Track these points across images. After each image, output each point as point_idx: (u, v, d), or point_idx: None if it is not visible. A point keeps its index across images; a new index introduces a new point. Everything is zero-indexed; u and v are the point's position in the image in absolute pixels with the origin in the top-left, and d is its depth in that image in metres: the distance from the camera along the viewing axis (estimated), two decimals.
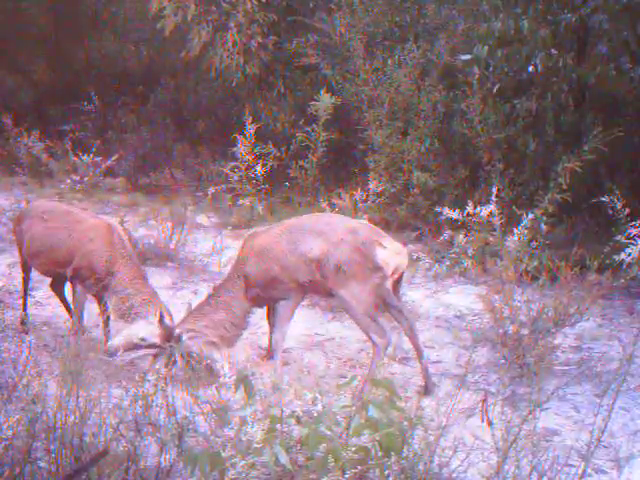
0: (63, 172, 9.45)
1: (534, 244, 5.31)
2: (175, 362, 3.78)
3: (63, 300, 4.74)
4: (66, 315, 4.64)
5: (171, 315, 4.09)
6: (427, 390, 3.84)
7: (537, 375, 3.73)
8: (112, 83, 11.13)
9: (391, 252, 3.77)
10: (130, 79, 11.03)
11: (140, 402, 2.44)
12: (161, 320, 3.88)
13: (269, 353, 4.25)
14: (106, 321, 4.26)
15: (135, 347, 3.99)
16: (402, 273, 3.94)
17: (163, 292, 4.92)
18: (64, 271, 4.32)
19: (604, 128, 5.79)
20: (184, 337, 3.90)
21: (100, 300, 4.41)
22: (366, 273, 3.71)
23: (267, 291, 3.96)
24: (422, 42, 7.80)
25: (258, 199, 7.43)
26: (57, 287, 4.73)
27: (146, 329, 3.94)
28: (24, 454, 2.26)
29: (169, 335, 3.90)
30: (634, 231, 4.51)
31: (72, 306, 4.46)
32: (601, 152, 5.78)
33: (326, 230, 3.84)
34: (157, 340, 3.91)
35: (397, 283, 3.96)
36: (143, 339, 3.94)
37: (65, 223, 4.41)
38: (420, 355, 3.93)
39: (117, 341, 3.94)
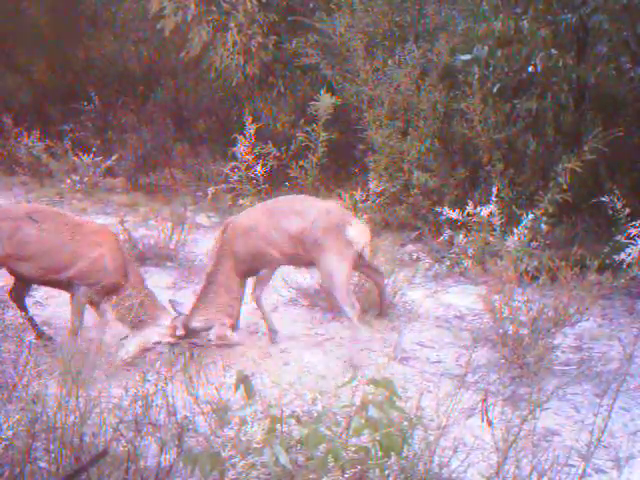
0: (63, 172, 9.45)
1: (534, 244, 5.31)
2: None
3: (24, 308, 4.44)
4: (65, 316, 4.56)
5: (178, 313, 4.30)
6: (382, 312, 4.79)
7: (537, 375, 3.74)
8: (112, 83, 11.12)
9: (359, 230, 4.37)
10: (130, 79, 11.02)
11: (140, 402, 2.44)
12: (176, 325, 4.16)
13: (270, 337, 4.61)
14: (104, 324, 4.28)
15: (147, 350, 4.23)
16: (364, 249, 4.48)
17: (163, 292, 4.93)
18: (59, 277, 4.17)
19: (604, 128, 5.79)
20: (198, 326, 4.27)
21: (95, 304, 4.31)
22: (341, 247, 4.28)
23: (254, 264, 4.50)
24: (422, 42, 7.80)
25: (258, 199, 7.42)
26: (18, 294, 4.44)
27: (158, 333, 4.19)
28: (24, 454, 2.26)
29: (188, 331, 4.20)
30: (634, 231, 4.51)
31: (72, 309, 4.29)
32: (601, 152, 5.77)
33: (302, 210, 4.44)
34: (170, 339, 4.17)
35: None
36: (157, 342, 4.19)
37: (64, 226, 4.22)
38: (382, 291, 4.75)
39: (131, 349, 4.11)
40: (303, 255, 4.43)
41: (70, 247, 4.15)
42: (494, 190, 5.65)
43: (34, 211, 4.23)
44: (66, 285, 4.24)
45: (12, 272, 4.30)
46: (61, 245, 4.14)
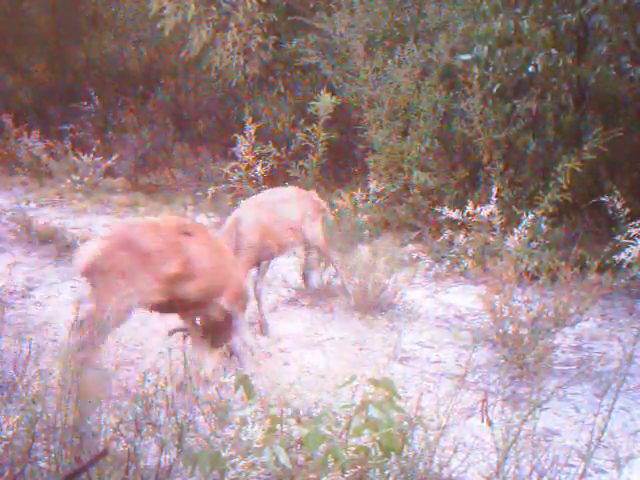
0: (63, 172, 9.47)
1: (534, 244, 5.31)
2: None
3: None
4: (65, 316, 4.25)
5: None
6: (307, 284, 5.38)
7: (537, 375, 3.74)
8: (112, 83, 11.14)
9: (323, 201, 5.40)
10: (130, 79, 11.04)
11: (140, 402, 2.44)
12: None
13: (263, 331, 4.77)
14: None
15: None
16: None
17: None
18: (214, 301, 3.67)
19: (604, 128, 5.79)
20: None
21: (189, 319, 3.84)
22: (317, 213, 5.19)
23: (259, 256, 4.77)
24: (422, 42, 7.80)
25: None
26: None
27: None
28: (24, 454, 2.26)
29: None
30: (634, 231, 4.51)
31: (242, 350, 3.84)
32: (601, 152, 5.77)
33: (289, 198, 5.09)
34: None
35: None
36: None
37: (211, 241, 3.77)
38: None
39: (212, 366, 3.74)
40: (298, 237, 4.98)
41: (222, 265, 3.69)
42: (494, 190, 5.65)
43: (183, 224, 3.66)
44: (209, 314, 3.73)
45: (166, 302, 3.45)
46: (217, 262, 3.67)
